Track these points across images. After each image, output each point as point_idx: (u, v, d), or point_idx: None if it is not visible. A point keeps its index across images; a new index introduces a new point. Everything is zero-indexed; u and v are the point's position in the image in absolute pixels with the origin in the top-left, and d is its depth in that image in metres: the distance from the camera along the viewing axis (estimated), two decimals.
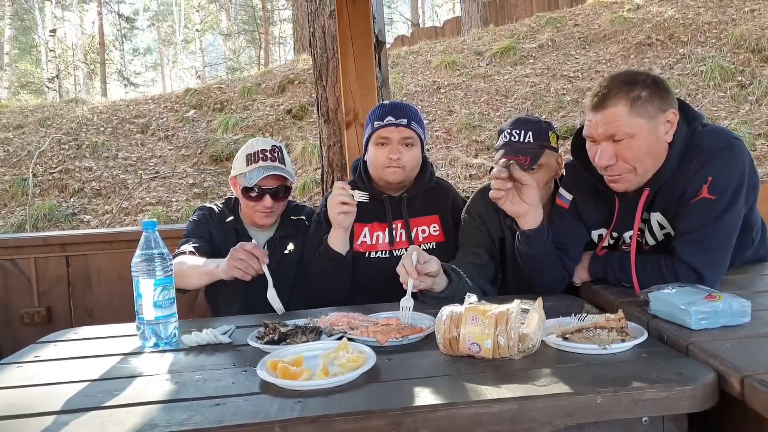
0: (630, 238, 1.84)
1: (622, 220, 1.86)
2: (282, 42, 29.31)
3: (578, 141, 1.87)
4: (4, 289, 3.00)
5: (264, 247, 2.27)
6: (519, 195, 1.83)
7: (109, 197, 7.78)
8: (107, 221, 7.22)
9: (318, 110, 4.02)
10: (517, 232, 1.92)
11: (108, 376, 1.37)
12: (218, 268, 1.94)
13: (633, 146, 1.66)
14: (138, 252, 1.57)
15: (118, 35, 29.15)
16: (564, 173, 2.10)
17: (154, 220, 1.65)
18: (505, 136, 2.09)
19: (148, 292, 1.55)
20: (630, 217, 1.81)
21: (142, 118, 9.75)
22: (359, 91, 2.97)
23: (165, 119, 9.75)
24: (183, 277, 2.02)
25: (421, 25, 23.04)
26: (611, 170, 1.72)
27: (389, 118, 2.15)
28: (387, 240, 2.22)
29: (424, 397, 1.15)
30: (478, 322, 1.36)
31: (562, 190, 2.00)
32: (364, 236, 2.23)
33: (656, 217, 1.81)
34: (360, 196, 2.04)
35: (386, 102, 2.37)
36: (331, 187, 2.13)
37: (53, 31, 17.42)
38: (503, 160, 1.89)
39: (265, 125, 9.22)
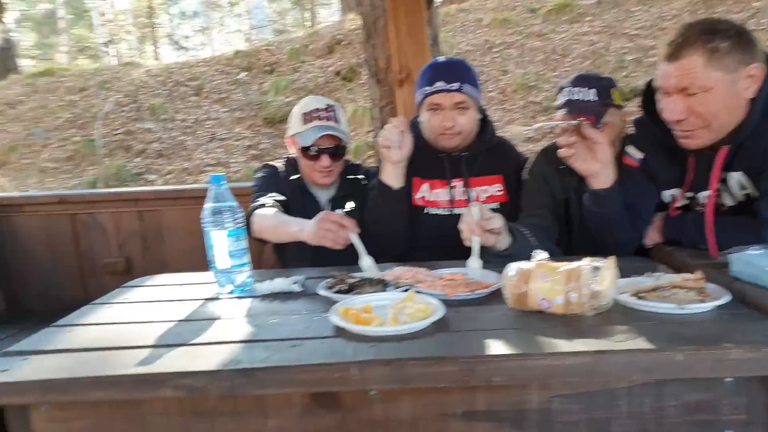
0: (705, 198, 1.75)
1: (697, 180, 1.77)
2: (326, 4, 29.03)
3: (649, 93, 1.79)
4: (87, 240, 3.19)
5: (327, 206, 2.31)
6: (590, 153, 1.78)
7: (171, 158, 8.02)
8: (171, 181, 7.46)
9: (369, 71, 3.99)
10: (587, 192, 1.87)
11: (191, 318, 1.44)
12: (302, 232, 1.92)
13: (707, 101, 1.57)
14: (208, 205, 1.62)
15: None
16: (631, 131, 2.02)
17: (222, 174, 1.69)
18: (565, 93, 2.02)
19: (221, 243, 1.60)
20: (706, 176, 1.71)
21: (196, 81, 9.92)
22: (411, 49, 2.92)
23: (217, 82, 9.89)
24: (265, 231, 2.07)
25: None
26: (682, 125, 1.64)
27: (439, 83, 2.10)
28: (446, 198, 2.21)
29: (496, 347, 1.15)
30: (548, 278, 1.33)
31: (630, 148, 1.92)
32: (424, 192, 2.22)
33: (736, 177, 1.71)
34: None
35: (436, 60, 2.29)
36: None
37: None
38: (572, 120, 1.82)
39: (316, 87, 9.23)
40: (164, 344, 1.25)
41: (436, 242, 2.11)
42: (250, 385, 1.08)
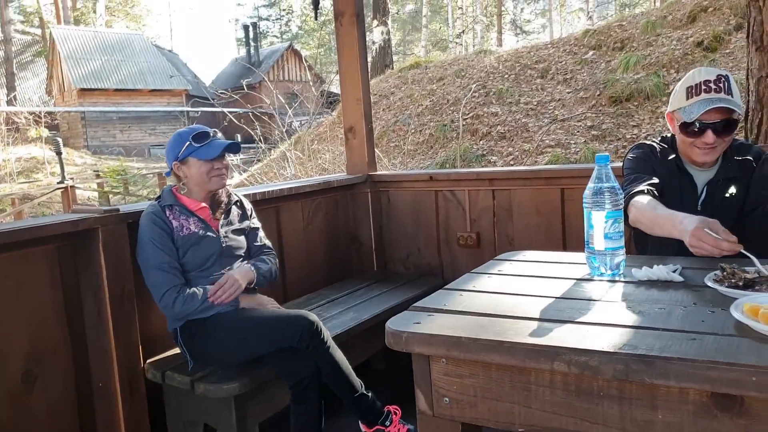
0: None
1: None
2: None
3: None
4: (445, 214, 3.52)
5: (704, 190, 2.08)
6: None
7: (512, 140, 8.29)
8: (511, 162, 7.73)
9: (748, 36, 3.45)
10: None
11: (569, 296, 1.45)
12: (678, 233, 1.71)
13: None
14: (590, 185, 1.60)
15: None
16: None
17: (607, 154, 1.65)
18: (700, 87, 1.95)
19: (599, 224, 1.58)
20: None
21: (542, 63, 9.99)
22: None
23: (564, 62, 9.78)
24: (641, 224, 1.94)
25: None
26: None
27: None
28: None
29: None
30: None
31: None
32: None
33: None
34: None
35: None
36: (758, 128, 1.79)
37: None
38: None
39: (670, 61, 8.41)
40: (552, 319, 1.28)
41: None
42: (648, 372, 1.03)
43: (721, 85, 1.99)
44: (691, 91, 2.02)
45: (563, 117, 8.33)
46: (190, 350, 2.30)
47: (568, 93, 8.90)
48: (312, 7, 3.99)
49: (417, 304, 1.45)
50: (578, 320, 1.26)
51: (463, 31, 20.00)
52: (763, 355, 1.01)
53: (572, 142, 7.69)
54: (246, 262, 2.46)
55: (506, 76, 9.96)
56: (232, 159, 9.63)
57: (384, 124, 10.25)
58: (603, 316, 1.28)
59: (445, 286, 1.62)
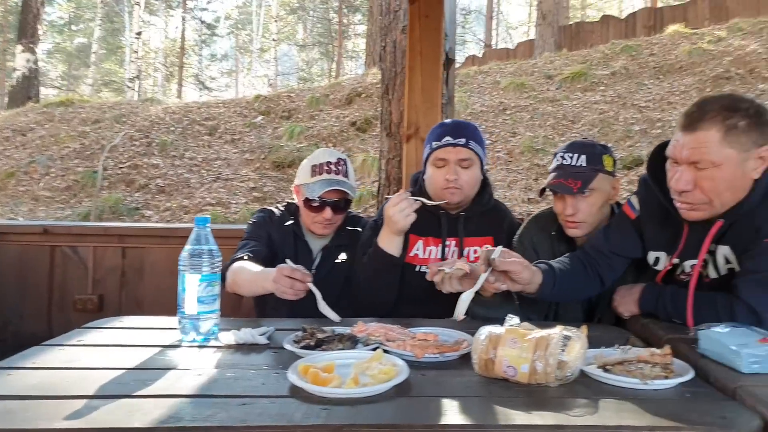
0: (691, 267, 1.73)
1: (687, 248, 1.75)
2: (354, 56, 29.87)
3: (657, 157, 1.77)
4: (62, 274, 3.13)
5: (318, 254, 2.30)
6: (511, 278, 1.74)
7: (172, 195, 8.06)
8: (167, 218, 7.47)
9: (381, 123, 4.08)
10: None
11: (143, 366, 1.39)
12: (269, 283, 1.89)
13: (715, 177, 1.55)
14: (187, 246, 1.60)
15: (199, 41, 30.48)
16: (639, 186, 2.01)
17: (207, 216, 1.68)
18: (558, 159, 2.07)
19: (192, 287, 1.58)
20: (696, 247, 1.70)
21: (212, 121, 10.10)
22: (423, 106, 2.97)
23: (233, 123, 10.06)
24: (237, 286, 2.07)
25: (494, 47, 22.97)
26: (685, 197, 1.61)
27: (447, 138, 2.15)
28: (439, 255, 2.21)
29: (452, 416, 1.12)
30: (517, 345, 1.31)
31: (633, 198, 1.92)
32: (417, 249, 2.23)
33: (723, 251, 1.69)
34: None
35: (446, 121, 2.36)
36: (386, 200, 2.12)
37: (139, 33, 18.35)
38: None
39: (329, 135, 9.37)
40: (103, 395, 1.19)
41: (422, 298, 2.10)
42: None
43: (341, 167, 2.26)
44: (315, 170, 2.25)
45: (227, 176, 8.47)
46: None
47: (235, 153, 9.13)
48: None
49: None
50: (137, 394, 1.20)
51: (137, 76, 19.13)
52: (295, 416, 1.10)
53: (233, 201, 7.84)
54: None
55: (172, 128, 9.75)
56: None
57: (15, 164, 8.93)
58: (168, 386, 1.26)
59: None
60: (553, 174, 2.04)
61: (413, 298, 2.17)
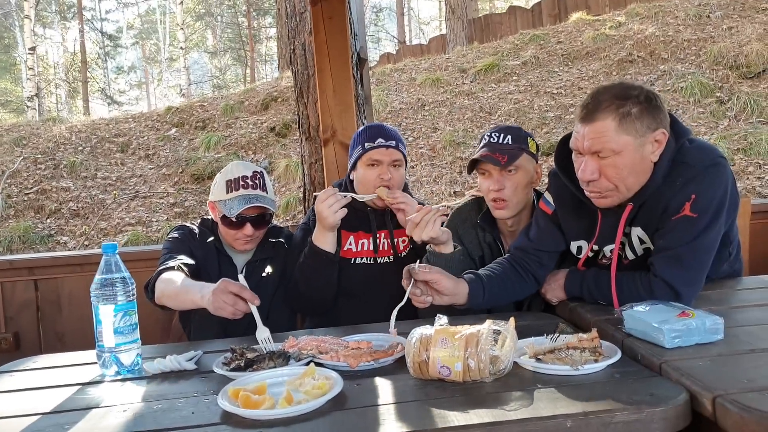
0: (610, 252, 1.81)
1: (603, 234, 1.83)
2: (268, 60, 29.41)
3: (563, 150, 1.83)
4: None
5: (243, 270, 2.22)
6: (436, 289, 1.78)
7: (88, 218, 7.66)
8: (85, 243, 7.09)
9: (299, 128, 4.00)
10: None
11: (61, 409, 1.31)
12: (203, 299, 1.79)
13: (617, 164, 1.63)
14: (97, 277, 1.51)
15: (101, 53, 29.09)
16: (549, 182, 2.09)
17: (115, 243, 1.59)
18: (485, 138, 2.14)
19: (107, 319, 1.49)
20: (612, 231, 1.78)
21: (123, 137, 9.67)
22: (337, 108, 2.94)
23: (146, 138, 9.68)
24: (167, 298, 1.96)
25: (408, 43, 23.21)
26: (593, 186, 1.69)
27: (380, 140, 2.19)
28: (371, 247, 2.26)
29: (390, 424, 1.11)
30: (448, 345, 1.32)
31: (547, 195, 1.99)
32: (350, 244, 2.28)
33: (637, 232, 1.78)
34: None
35: (372, 124, 2.41)
36: (314, 198, 2.11)
37: (32, 49, 17.28)
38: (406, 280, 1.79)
39: (248, 143, 9.18)
40: None
41: (359, 290, 2.22)
42: None
43: (257, 181, 2.19)
44: (231, 186, 2.16)
45: (145, 194, 8.14)
46: None
47: (151, 169, 8.79)
48: None
49: None
50: None
51: (36, 94, 18.05)
52: None
53: (154, 219, 7.55)
54: None
55: (80, 148, 9.28)
56: None
57: None
58: (90, 427, 1.19)
59: None
60: (481, 150, 2.10)
61: (351, 293, 2.23)
